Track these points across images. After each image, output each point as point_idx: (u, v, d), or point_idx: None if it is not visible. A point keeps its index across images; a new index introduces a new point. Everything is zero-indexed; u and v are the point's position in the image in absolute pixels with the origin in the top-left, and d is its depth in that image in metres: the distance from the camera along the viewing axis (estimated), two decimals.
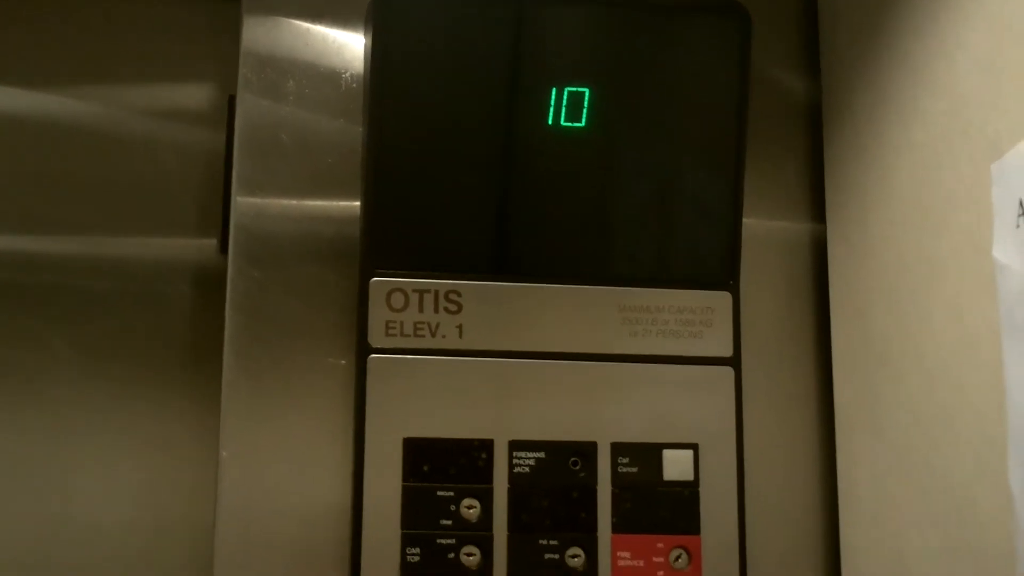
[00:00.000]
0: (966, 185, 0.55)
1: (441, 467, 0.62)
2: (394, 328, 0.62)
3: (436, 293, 0.63)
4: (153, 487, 0.71)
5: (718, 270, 0.66)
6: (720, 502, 0.64)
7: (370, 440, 0.61)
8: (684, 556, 0.63)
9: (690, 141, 0.66)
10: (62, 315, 0.72)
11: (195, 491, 0.69)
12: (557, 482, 0.63)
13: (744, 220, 0.66)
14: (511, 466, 0.62)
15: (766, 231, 0.70)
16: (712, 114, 0.66)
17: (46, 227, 0.73)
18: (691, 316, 0.65)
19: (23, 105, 0.74)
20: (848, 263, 0.67)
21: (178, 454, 0.71)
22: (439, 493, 0.61)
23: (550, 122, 0.64)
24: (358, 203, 0.65)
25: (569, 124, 0.64)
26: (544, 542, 0.62)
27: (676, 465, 0.64)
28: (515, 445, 0.62)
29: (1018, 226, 0.49)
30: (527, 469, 0.62)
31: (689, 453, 0.64)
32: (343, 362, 0.64)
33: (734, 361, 0.65)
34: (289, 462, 0.63)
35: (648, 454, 0.63)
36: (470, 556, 0.61)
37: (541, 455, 0.63)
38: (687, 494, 0.64)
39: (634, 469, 0.63)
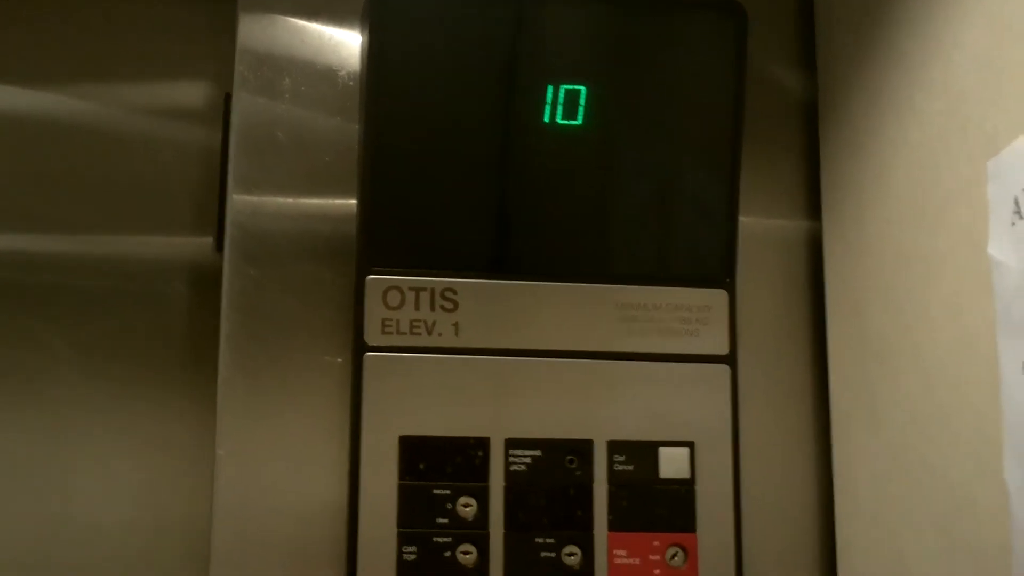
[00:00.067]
0: (962, 183, 0.55)
1: (437, 465, 0.62)
2: (390, 326, 0.62)
3: (432, 291, 0.63)
4: (153, 487, 0.71)
5: (714, 268, 0.66)
6: (716, 500, 0.64)
7: (366, 438, 0.61)
8: (680, 554, 0.63)
9: (686, 139, 0.66)
10: (61, 315, 0.72)
11: (195, 491, 0.69)
12: (553, 480, 0.62)
13: (741, 218, 0.66)
14: (507, 464, 0.62)
15: (763, 229, 0.70)
16: (708, 112, 0.66)
17: (45, 226, 0.73)
18: (687, 314, 0.65)
19: (22, 104, 0.74)
20: (844, 261, 0.67)
21: (178, 454, 0.71)
22: (435, 491, 0.61)
23: (546, 120, 0.64)
24: (354, 201, 0.65)
25: (565, 122, 0.64)
26: (540, 540, 0.62)
27: (672, 463, 0.64)
28: (511, 443, 0.62)
29: (1014, 223, 0.49)
30: (523, 467, 0.62)
31: (685, 451, 0.64)
32: (339, 360, 0.64)
33: (730, 359, 0.65)
34: (285, 460, 0.63)
35: (644, 452, 0.63)
36: (466, 554, 0.61)
37: (537, 453, 0.63)
38: (683, 492, 0.63)
39: (630, 467, 0.63)
